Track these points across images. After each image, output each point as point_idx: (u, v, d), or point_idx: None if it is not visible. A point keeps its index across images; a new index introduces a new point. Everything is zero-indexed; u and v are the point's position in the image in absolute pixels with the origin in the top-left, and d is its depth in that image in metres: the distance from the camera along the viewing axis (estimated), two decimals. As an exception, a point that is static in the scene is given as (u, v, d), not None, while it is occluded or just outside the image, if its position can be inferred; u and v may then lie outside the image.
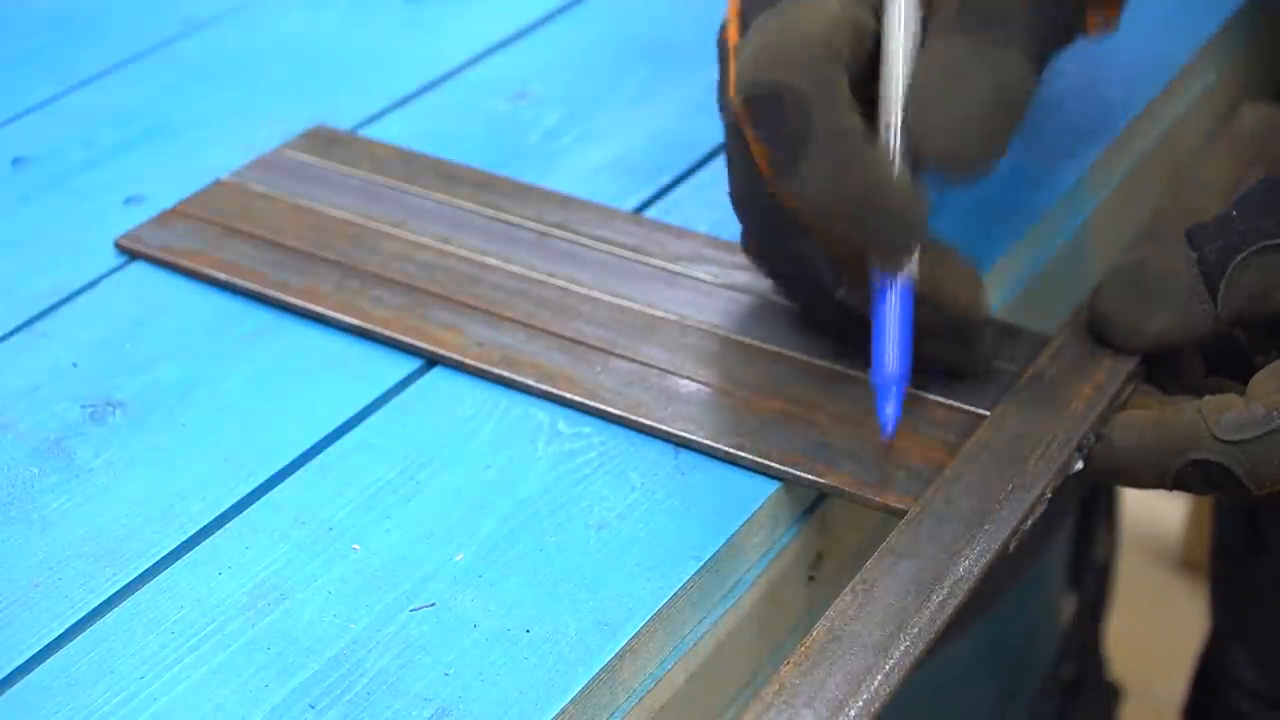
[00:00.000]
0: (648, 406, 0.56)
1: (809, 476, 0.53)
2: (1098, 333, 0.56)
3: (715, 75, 0.77)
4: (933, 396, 0.56)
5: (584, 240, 0.65)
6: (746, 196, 0.56)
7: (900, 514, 0.52)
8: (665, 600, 0.50)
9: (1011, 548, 0.50)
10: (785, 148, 0.51)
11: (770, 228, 0.56)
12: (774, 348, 0.59)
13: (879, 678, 0.45)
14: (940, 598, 0.48)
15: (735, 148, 0.56)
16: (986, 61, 0.53)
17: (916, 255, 0.53)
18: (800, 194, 0.52)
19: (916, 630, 0.47)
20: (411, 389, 0.59)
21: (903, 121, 0.53)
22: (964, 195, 0.68)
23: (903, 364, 0.53)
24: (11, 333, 0.62)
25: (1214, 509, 1.03)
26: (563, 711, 0.47)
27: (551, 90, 0.77)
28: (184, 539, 0.53)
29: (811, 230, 0.53)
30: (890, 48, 0.54)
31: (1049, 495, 0.52)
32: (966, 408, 0.56)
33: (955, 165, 0.52)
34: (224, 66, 0.80)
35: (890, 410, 0.53)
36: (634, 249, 0.64)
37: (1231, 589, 1.01)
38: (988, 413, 0.55)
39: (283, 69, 0.79)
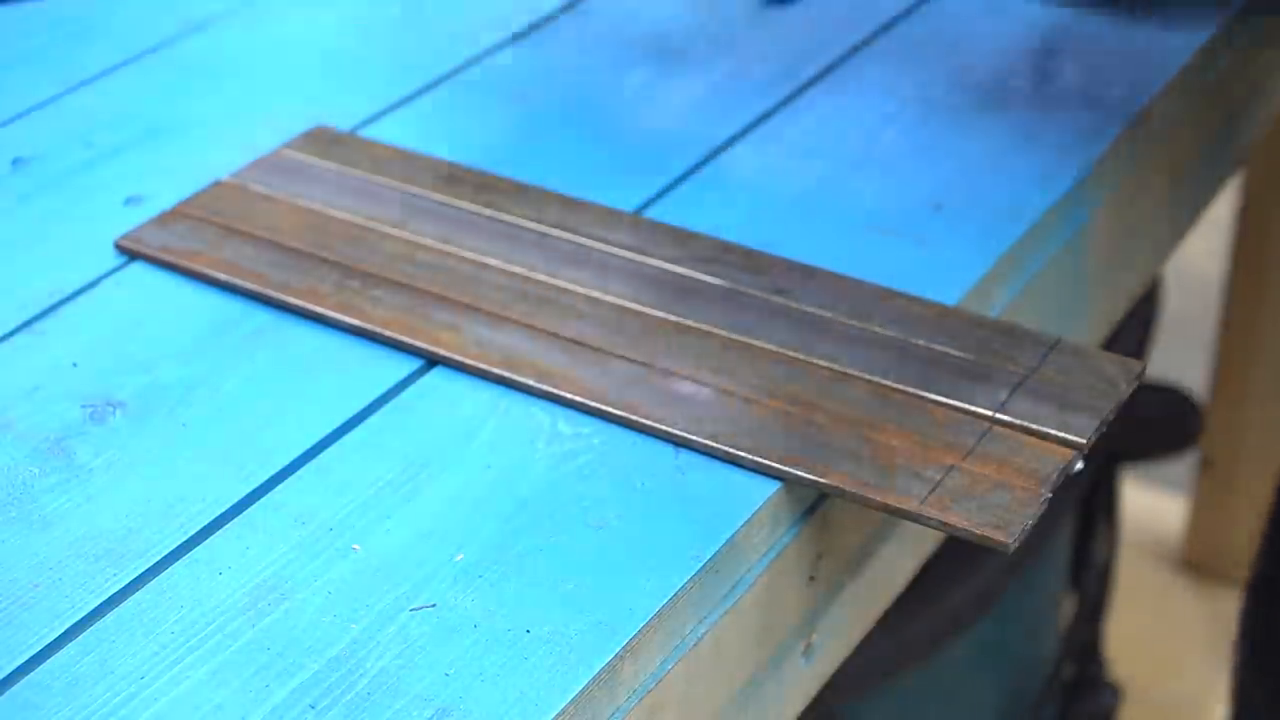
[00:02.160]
0: (648, 406, 0.56)
1: (809, 476, 0.53)
2: None
3: (716, 75, 0.78)
4: (933, 396, 0.56)
5: (584, 240, 0.65)
6: None
7: (901, 514, 0.52)
8: (665, 600, 0.50)
9: None
10: None
11: None
12: (774, 348, 0.59)
13: None
14: None
15: None
16: None
17: None
18: None
19: None
20: (411, 389, 0.59)
21: None
22: (964, 195, 0.68)
23: None
24: (11, 333, 0.62)
25: (1265, 540, 1.01)
26: (563, 711, 0.47)
27: (551, 90, 0.77)
28: (184, 539, 0.53)
29: None
30: None
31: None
32: (967, 408, 0.56)
33: None
34: (224, 66, 0.80)
35: None
36: (634, 249, 0.64)
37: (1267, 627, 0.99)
38: (989, 413, 0.55)
39: (283, 69, 0.79)
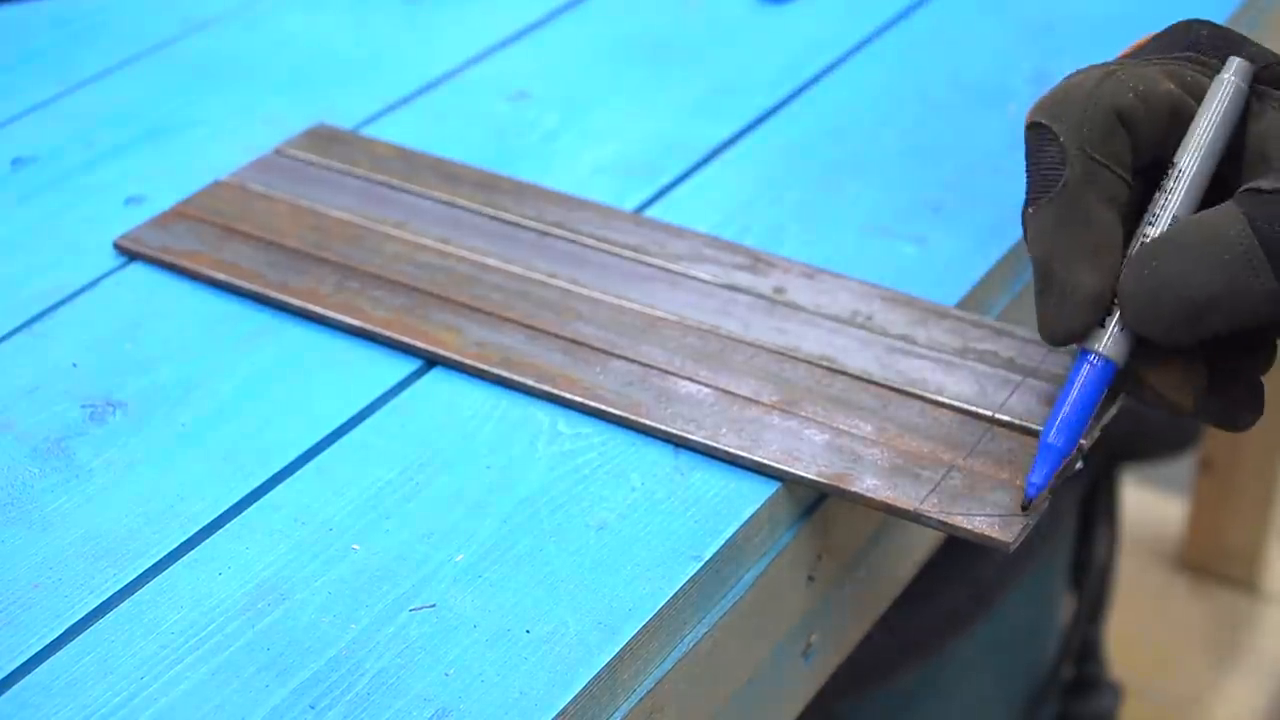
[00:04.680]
0: (648, 406, 0.56)
1: (809, 476, 0.53)
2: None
3: (716, 75, 0.78)
4: (933, 396, 0.56)
5: (584, 240, 0.65)
6: None
7: (901, 514, 0.52)
8: (665, 600, 0.50)
9: None
10: (1035, 179, 0.52)
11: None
12: (774, 348, 0.59)
13: None
14: None
15: None
16: (1251, 267, 0.49)
17: (1120, 339, 0.51)
18: (1025, 225, 0.52)
19: None
20: (411, 389, 0.59)
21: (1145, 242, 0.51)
22: (964, 195, 0.68)
23: (1070, 437, 0.51)
24: (11, 333, 0.62)
25: None
26: (563, 711, 0.47)
27: (551, 90, 0.77)
28: (184, 539, 0.53)
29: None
30: (1191, 144, 0.52)
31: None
32: (967, 408, 0.56)
33: (1153, 334, 0.51)
34: (224, 66, 0.80)
35: (1036, 477, 0.51)
36: (634, 249, 0.64)
37: None
38: (989, 413, 0.55)
39: (283, 69, 0.79)
